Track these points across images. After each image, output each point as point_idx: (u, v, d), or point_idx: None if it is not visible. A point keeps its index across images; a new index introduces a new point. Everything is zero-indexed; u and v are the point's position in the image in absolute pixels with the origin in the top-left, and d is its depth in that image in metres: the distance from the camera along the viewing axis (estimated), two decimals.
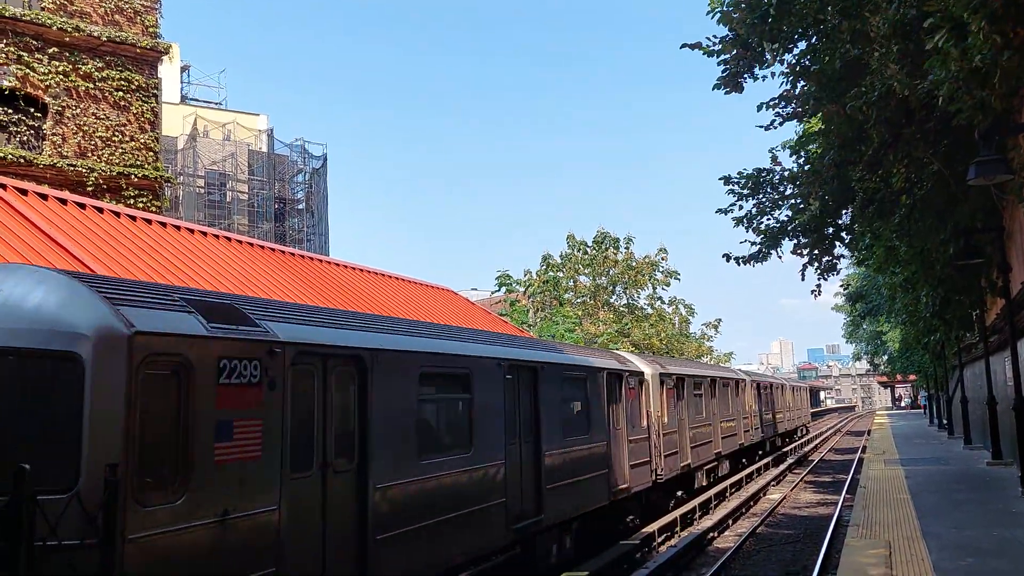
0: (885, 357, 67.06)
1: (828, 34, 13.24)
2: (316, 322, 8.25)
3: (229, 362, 6.63)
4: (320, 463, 7.64)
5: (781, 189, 17.69)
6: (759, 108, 15.91)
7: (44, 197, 13.47)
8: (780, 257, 17.88)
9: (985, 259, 16.70)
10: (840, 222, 18.13)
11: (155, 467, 6.06)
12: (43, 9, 21.86)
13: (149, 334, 6.07)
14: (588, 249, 46.16)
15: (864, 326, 61.38)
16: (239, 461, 6.62)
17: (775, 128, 16.47)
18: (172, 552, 6.00)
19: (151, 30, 23.96)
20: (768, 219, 17.78)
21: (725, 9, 13.97)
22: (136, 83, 23.28)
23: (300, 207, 43.38)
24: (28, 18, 21.27)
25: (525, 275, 44.64)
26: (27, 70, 21.26)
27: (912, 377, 72.26)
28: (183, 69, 44.80)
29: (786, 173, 17.70)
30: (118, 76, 22.90)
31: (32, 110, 21.56)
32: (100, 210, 14.39)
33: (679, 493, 20.02)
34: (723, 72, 14.86)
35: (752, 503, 22.43)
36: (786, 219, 17.67)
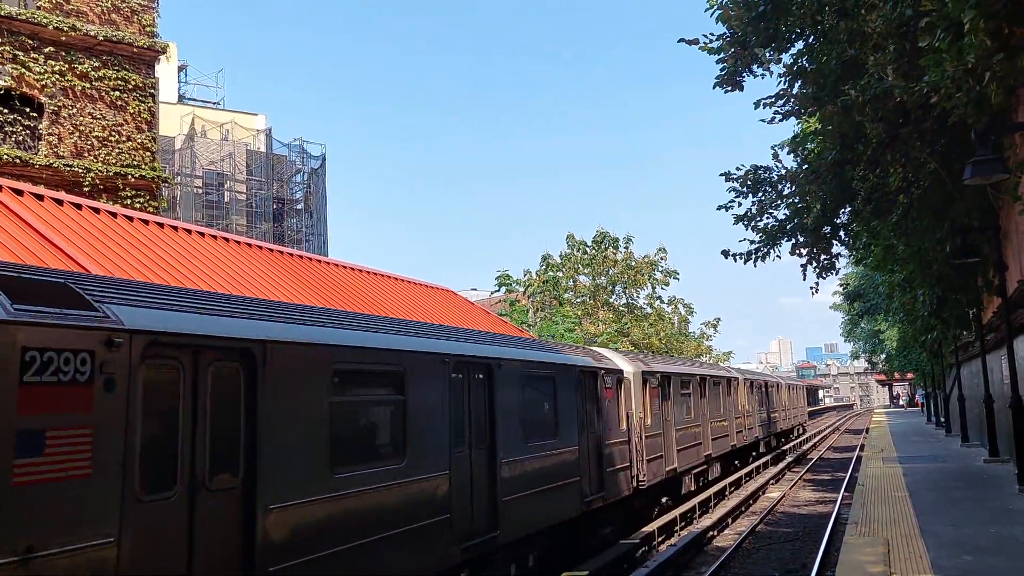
0: (883, 356, 67.16)
1: (825, 34, 13.24)
2: (185, 306, 6.72)
3: (41, 354, 5.19)
4: (187, 482, 6.21)
5: (779, 188, 17.67)
6: (756, 105, 15.91)
7: (40, 198, 13.45)
8: (779, 256, 17.89)
9: (982, 258, 16.72)
10: (838, 221, 18.13)
11: None
12: (39, 8, 21.85)
13: None
14: (587, 249, 46.21)
15: (862, 325, 61.45)
16: (54, 482, 5.19)
17: (775, 124, 16.49)
18: None
19: (148, 29, 23.95)
20: (767, 217, 17.77)
21: (723, 6, 13.96)
22: (133, 83, 23.27)
23: (298, 207, 43.36)
24: (24, 17, 21.26)
25: (525, 275, 44.71)
26: (23, 69, 21.25)
27: (910, 375, 72.36)
28: (180, 69, 44.76)
29: (784, 172, 17.69)
30: (115, 76, 22.89)
31: (28, 110, 21.56)
32: (97, 210, 14.38)
33: (664, 500, 19.06)
34: (722, 70, 14.85)
35: (751, 501, 22.44)
36: (784, 218, 17.66)
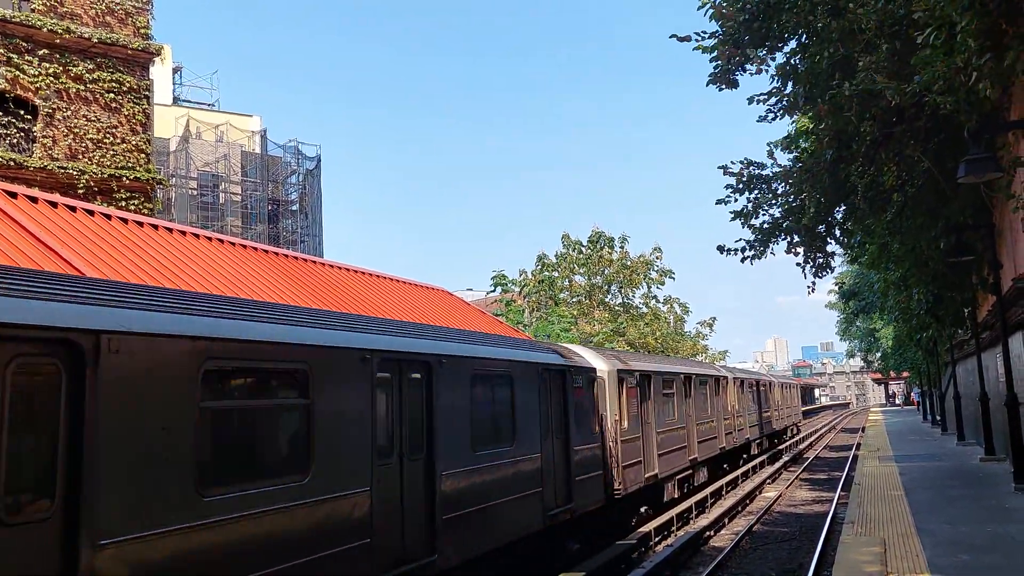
0: (878, 354, 67.27)
1: (818, 33, 13.25)
2: None
3: None
4: None
5: (774, 187, 17.68)
6: (750, 101, 15.93)
7: (34, 200, 13.42)
8: (772, 253, 17.87)
9: (976, 256, 16.76)
10: (832, 220, 18.15)
11: None
12: (33, 11, 21.80)
13: None
14: (583, 248, 46.23)
15: (857, 323, 61.58)
16: None
17: (769, 122, 16.49)
18: None
19: (143, 31, 23.90)
20: (763, 215, 17.77)
21: (716, 5, 13.97)
22: (127, 85, 23.22)
23: (293, 208, 43.33)
24: (18, 20, 21.21)
25: (520, 275, 44.69)
26: (17, 72, 21.20)
27: (905, 374, 72.48)
28: (175, 70, 44.72)
29: (778, 171, 17.69)
30: (109, 78, 22.84)
31: (22, 112, 21.51)
32: (91, 212, 14.35)
33: (643, 509, 17.83)
34: (715, 68, 14.85)
35: (748, 501, 22.46)
36: (779, 216, 17.65)
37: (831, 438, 53.45)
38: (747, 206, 17.64)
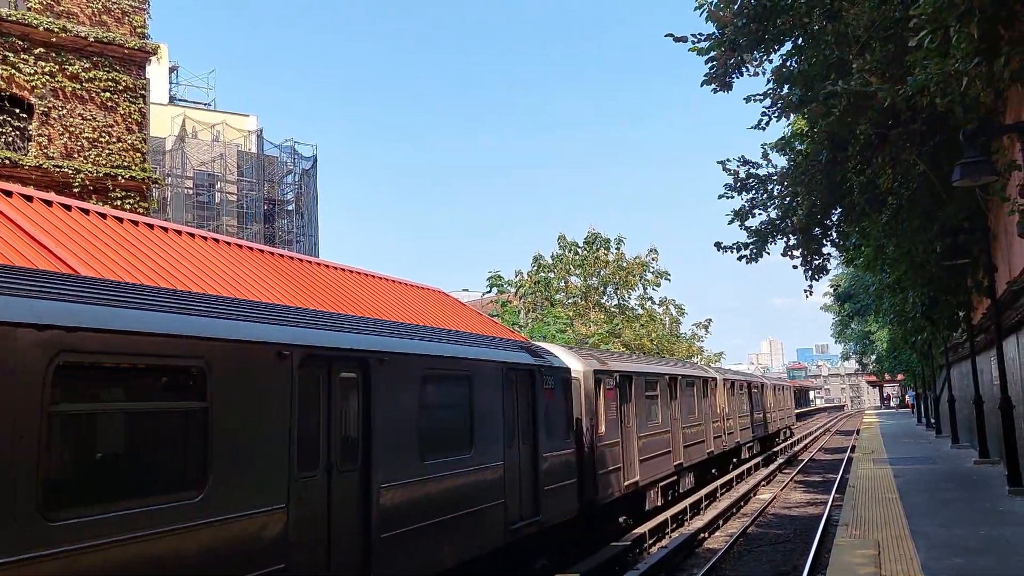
0: (873, 357, 67.40)
1: (813, 36, 13.28)
2: None
3: None
4: None
5: (769, 188, 17.72)
6: (747, 100, 15.96)
7: (29, 199, 13.39)
8: (767, 253, 17.88)
9: (971, 259, 16.80)
10: (828, 222, 18.19)
11: None
12: (29, 9, 21.76)
13: None
14: (579, 250, 46.26)
15: (852, 326, 61.69)
16: None
17: (763, 128, 16.50)
18: None
19: (139, 30, 23.87)
20: (760, 213, 17.80)
21: (713, 7, 13.98)
22: (123, 84, 23.19)
23: (289, 208, 43.26)
24: (14, 18, 21.17)
25: (516, 276, 44.71)
26: (13, 71, 21.16)
27: (900, 377, 72.62)
28: (171, 70, 44.65)
29: (773, 172, 17.73)
30: (105, 77, 22.81)
31: (18, 111, 21.47)
32: (86, 211, 14.32)
33: (622, 520, 16.60)
34: (711, 69, 14.87)
35: (742, 503, 22.49)
36: (775, 218, 17.69)
37: (826, 440, 53.53)
38: (744, 205, 17.67)
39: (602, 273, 46.30)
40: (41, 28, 21.53)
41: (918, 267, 18.33)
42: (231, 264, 16.26)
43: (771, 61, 14.98)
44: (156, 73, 33.40)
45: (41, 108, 21.62)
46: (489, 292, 44.26)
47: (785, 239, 17.72)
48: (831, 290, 54.68)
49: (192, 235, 16.79)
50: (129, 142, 23.05)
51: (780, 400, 45.30)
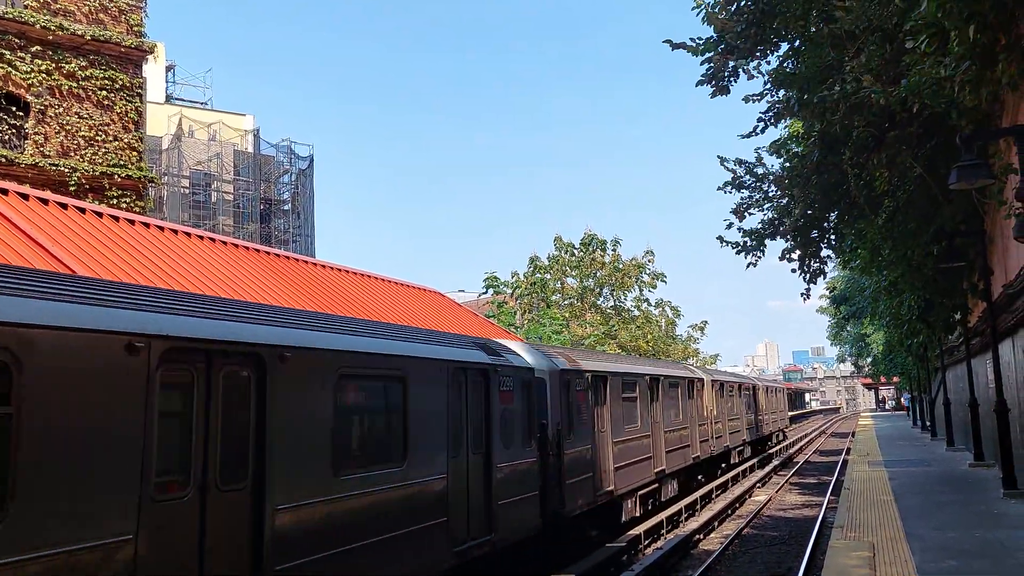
0: (869, 359, 67.54)
1: (810, 39, 13.30)
2: None
3: None
4: None
5: (764, 188, 17.75)
6: (746, 100, 15.99)
7: (25, 197, 13.36)
8: (762, 253, 17.86)
9: (967, 262, 16.82)
10: (825, 224, 18.21)
11: None
12: (26, 7, 21.72)
13: None
14: (575, 251, 46.30)
15: (848, 328, 61.81)
16: None
17: (759, 134, 16.52)
18: None
19: (136, 29, 23.85)
20: (756, 213, 17.83)
21: (711, 10, 13.99)
22: (120, 82, 23.15)
23: (286, 208, 43.23)
24: (11, 16, 21.14)
25: (513, 277, 44.72)
26: (9, 68, 21.13)
27: (896, 379, 72.77)
28: (168, 68, 44.58)
29: (770, 174, 17.76)
30: (102, 75, 22.77)
31: (14, 109, 21.44)
32: (82, 210, 14.30)
33: (595, 533, 15.47)
34: (707, 70, 14.89)
35: (738, 505, 22.51)
36: (772, 218, 17.70)
37: (821, 442, 53.60)
38: (743, 202, 17.70)
39: (598, 274, 46.35)
40: (38, 26, 21.49)
41: (914, 270, 18.34)
42: (227, 264, 16.24)
43: (768, 63, 15.03)
44: (153, 72, 33.33)
45: (37, 106, 21.59)
46: (485, 293, 44.27)
47: (784, 239, 17.73)
48: (827, 292, 54.78)
49: (188, 234, 16.78)
50: (125, 141, 23.02)
51: (773, 402, 43.67)
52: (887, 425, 54.37)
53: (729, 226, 17.68)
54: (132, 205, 22.29)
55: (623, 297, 47.73)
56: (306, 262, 21.31)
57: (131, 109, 23.33)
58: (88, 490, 5.46)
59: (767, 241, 17.60)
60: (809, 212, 16.85)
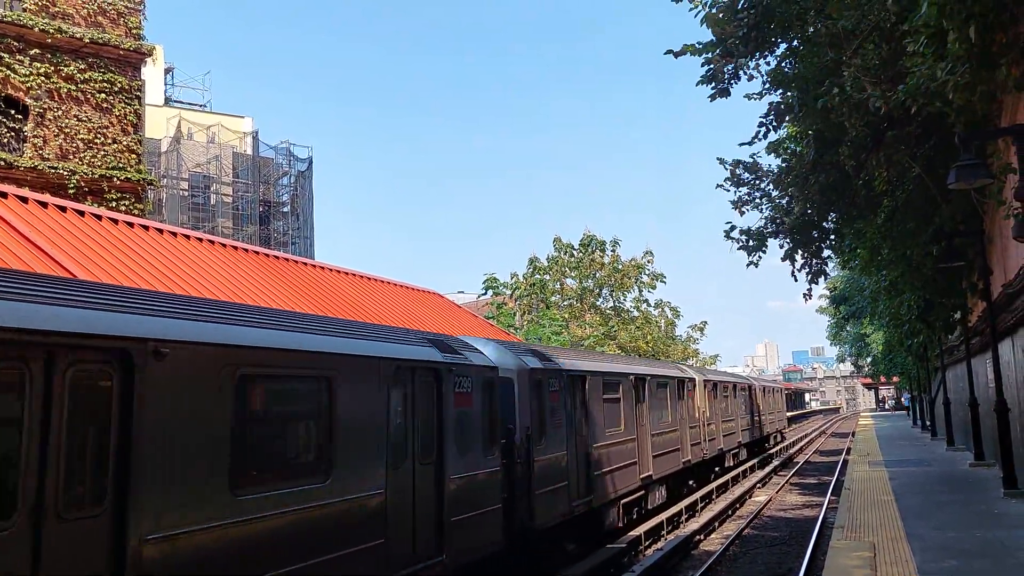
0: (869, 359, 67.56)
1: (809, 39, 13.31)
2: None
3: None
4: None
5: (763, 186, 17.76)
6: (747, 97, 16.01)
7: (24, 200, 13.36)
8: (764, 252, 17.84)
9: (966, 262, 16.83)
10: (824, 224, 18.21)
11: None
12: (25, 10, 21.72)
13: None
14: (574, 252, 46.32)
15: (847, 328, 61.81)
16: None
17: (761, 139, 16.51)
18: None
19: (134, 32, 23.85)
20: (754, 210, 17.83)
21: (709, 12, 13.98)
22: (119, 85, 23.15)
23: (285, 210, 43.24)
24: (9, 19, 21.14)
25: (512, 278, 44.74)
26: (8, 71, 21.13)
27: (896, 379, 72.79)
28: (167, 71, 44.58)
29: (770, 172, 17.78)
30: (101, 78, 22.78)
31: (13, 112, 21.44)
32: (81, 213, 14.30)
33: (572, 547, 14.24)
34: (707, 71, 14.90)
35: (738, 505, 22.51)
36: (772, 216, 17.70)
37: (821, 443, 53.61)
38: (741, 197, 17.71)
39: (597, 275, 46.36)
40: (36, 29, 21.49)
41: (914, 269, 18.36)
42: (226, 266, 16.23)
43: (768, 64, 15.04)
44: (151, 75, 33.34)
45: (36, 109, 21.58)
46: (485, 294, 44.28)
47: (784, 238, 17.72)
48: (827, 292, 54.79)
49: (187, 237, 16.78)
50: (124, 143, 23.02)
51: (770, 402, 42.09)
52: (887, 425, 54.36)
53: (732, 228, 17.67)
54: (131, 208, 22.29)
55: (622, 298, 47.77)
56: (305, 264, 21.31)
57: (130, 112, 23.33)
58: None
59: (768, 241, 17.60)
60: (809, 211, 16.84)
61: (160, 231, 16.02)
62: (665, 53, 14.65)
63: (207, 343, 6.53)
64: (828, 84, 12.52)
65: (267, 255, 19.48)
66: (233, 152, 41.30)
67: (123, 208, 21.65)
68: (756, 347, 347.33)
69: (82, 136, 22.21)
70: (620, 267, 46.41)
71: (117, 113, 23.02)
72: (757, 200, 17.75)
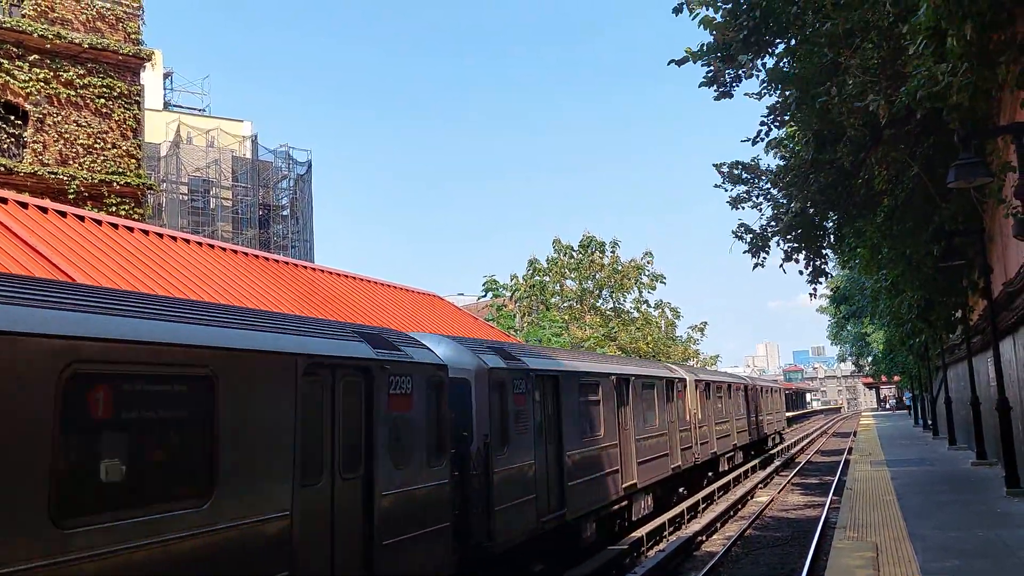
0: (870, 359, 67.50)
1: (808, 39, 13.32)
2: None
3: None
4: None
5: (762, 185, 17.76)
6: (747, 95, 16.04)
7: (24, 205, 13.36)
8: (767, 252, 17.81)
9: (967, 261, 16.83)
10: (826, 223, 18.21)
11: None
12: (24, 16, 21.73)
13: None
14: (574, 253, 46.33)
15: (848, 328, 61.76)
16: None
17: (763, 138, 16.52)
18: None
19: (133, 37, 23.86)
20: (754, 208, 17.85)
21: (707, 16, 14.00)
22: (118, 90, 23.16)
23: (284, 213, 43.25)
24: (8, 25, 21.15)
25: (512, 279, 44.75)
26: (7, 77, 21.14)
27: (897, 378, 72.75)
28: (166, 76, 44.60)
29: (769, 170, 17.79)
30: (100, 83, 22.78)
31: (12, 117, 21.44)
32: (81, 218, 14.30)
33: (540, 568, 12.77)
34: (708, 73, 14.93)
35: (740, 506, 22.49)
36: (772, 216, 17.71)
37: (823, 442, 53.59)
38: (740, 195, 17.72)
39: (597, 276, 46.38)
40: (35, 35, 21.50)
41: (914, 268, 18.36)
42: (226, 269, 16.24)
43: (764, 66, 15.05)
44: (150, 79, 33.36)
45: (36, 115, 21.59)
46: (485, 296, 44.28)
47: (783, 238, 17.71)
48: (828, 292, 54.77)
49: (187, 241, 16.78)
50: (124, 148, 23.02)
51: (768, 403, 40.42)
52: (888, 424, 54.36)
53: (742, 228, 17.65)
54: (131, 212, 22.29)
55: (622, 299, 47.79)
56: (305, 267, 21.32)
57: (129, 116, 23.33)
58: None
59: (771, 242, 17.61)
60: (810, 210, 16.85)
61: (160, 235, 16.02)
62: (668, 63, 14.71)
63: (20, 333, 5.08)
64: (827, 86, 12.53)
65: (267, 259, 19.48)
66: (232, 156, 41.32)
67: (123, 213, 21.66)
68: (756, 347, 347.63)
69: (82, 141, 22.22)
70: (620, 268, 46.43)
71: (116, 118, 23.03)
72: (755, 199, 17.76)
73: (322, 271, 21.55)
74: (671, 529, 17.98)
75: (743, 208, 17.79)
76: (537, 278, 44.88)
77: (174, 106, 44.58)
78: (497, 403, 11.45)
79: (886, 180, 14.78)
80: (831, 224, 18.28)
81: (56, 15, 22.37)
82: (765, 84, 15.16)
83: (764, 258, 17.58)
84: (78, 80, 22.39)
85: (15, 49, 21.41)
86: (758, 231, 17.50)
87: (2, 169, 20.47)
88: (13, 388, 5.03)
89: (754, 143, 16.31)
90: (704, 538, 17.89)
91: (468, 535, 10.50)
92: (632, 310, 48.08)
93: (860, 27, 11.59)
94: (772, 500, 23.79)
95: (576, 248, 46.39)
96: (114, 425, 5.89)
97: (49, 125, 21.82)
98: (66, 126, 22.05)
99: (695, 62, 14.57)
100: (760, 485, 27.09)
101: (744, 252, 17.53)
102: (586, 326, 44.41)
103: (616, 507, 16.20)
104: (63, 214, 13.93)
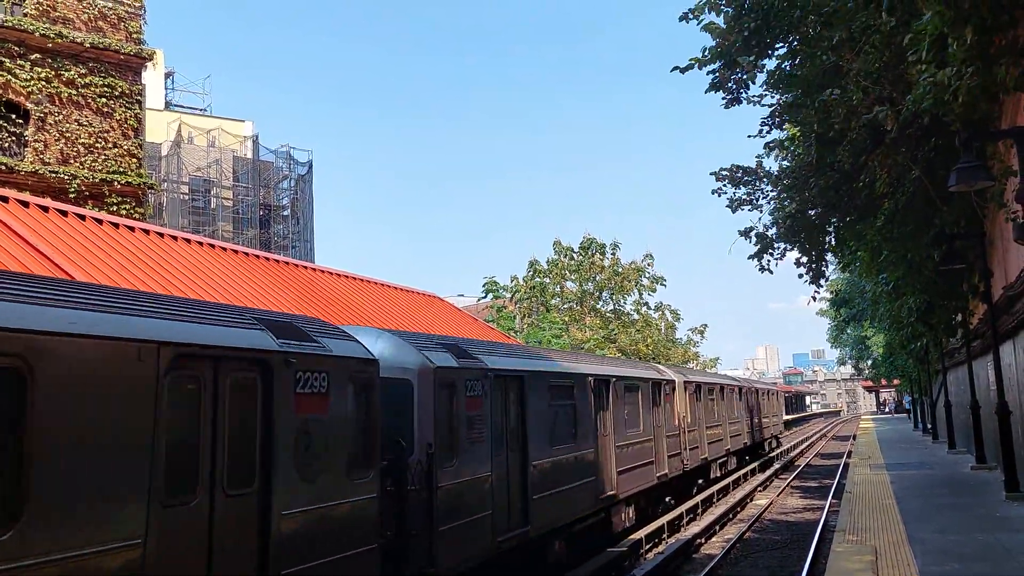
0: (869, 362, 67.49)
1: (808, 42, 13.33)
2: None
3: None
4: None
5: (762, 187, 17.76)
6: (748, 100, 16.05)
7: (25, 204, 13.37)
8: (771, 255, 17.76)
9: (967, 264, 16.83)
10: (827, 226, 18.20)
11: None
12: (25, 15, 21.73)
13: None
14: (574, 255, 46.34)
15: (848, 331, 61.77)
16: None
17: (763, 136, 16.57)
18: None
19: (135, 36, 23.86)
20: (752, 209, 17.84)
21: (711, 20, 14.01)
22: (119, 89, 23.16)
23: (285, 213, 43.27)
24: (10, 24, 21.15)
25: (512, 281, 44.76)
26: (9, 76, 21.13)
27: (896, 382, 72.72)
28: (167, 75, 44.62)
29: (769, 172, 17.79)
30: (101, 82, 22.78)
31: (14, 116, 21.43)
32: (82, 217, 14.30)
33: None
34: (712, 79, 14.96)
35: (739, 509, 22.49)
36: (773, 220, 17.71)
37: (822, 446, 53.56)
38: (740, 197, 17.72)
39: (598, 278, 46.40)
40: (37, 34, 21.49)
41: (915, 272, 18.36)
42: (226, 269, 16.24)
43: (764, 68, 15.06)
44: (152, 79, 33.34)
45: (37, 114, 21.58)
46: (485, 297, 44.29)
47: (788, 238, 17.68)
48: (828, 295, 54.77)
49: (188, 240, 16.79)
50: (125, 148, 23.02)
51: (765, 406, 38.93)
52: (888, 428, 54.31)
53: (749, 230, 17.64)
54: (132, 212, 22.29)
55: (623, 301, 47.79)
56: (305, 267, 21.32)
57: (130, 116, 23.33)
58: None
59: (780, 242, 17.59)
60: (811, 211, 16.84)
61: (160, 235, 16.03)
62: (672, 70, 14.75)
63: None
64: (829, 92, 12.54)
65: (267, 259, 19.49)
66: (233, 156, 41.34)
67: (123, 212, 21.65)
68: (756, 350, 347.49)
69: (83, 140, 22.21)
70: (620, 270, 46.45)
71: (118, 117, 23.02)
72: (756, 201, 17.76)
73: (322, 271, 21.55)
74: (670, 532, 17.96)
75: (744, 210, 17.79)
76: (537, 279, 44.89)
77: (175, 106, 44.61)
78: (445, 407, 10.12)
79: (887, 183, 14.77)
80: (831, 227, 18.28)
81: (58, 14, 22.37)
82: (765, 85, 15.18)
83: (769, 262, 17.55)
84: (79, 79, 22.39)
85: (17, 48, 21.40)
86: (762, 230, 17.50)
87: (3, 168, 20.47)
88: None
89: (761, 135, 16.30)
90: (703, 540, 17.88)
91: (404, 560, 9.14)
92: (632, 312, 48.09)
93: (861, 30, 11.59)
94: (771, 503, 23.78)
95: (576, 250, 46.41)
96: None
97: (50, 124, 21.81)
98: (67, 125, 22.04)
99: (700, 68, 14.59)
100: (759, 488, 27.08)
101: (749, 257, 17.52)
102: (586, 328, 44.43)
103: (592, 520, 14.91)
104: (64, 213, 13.94)
